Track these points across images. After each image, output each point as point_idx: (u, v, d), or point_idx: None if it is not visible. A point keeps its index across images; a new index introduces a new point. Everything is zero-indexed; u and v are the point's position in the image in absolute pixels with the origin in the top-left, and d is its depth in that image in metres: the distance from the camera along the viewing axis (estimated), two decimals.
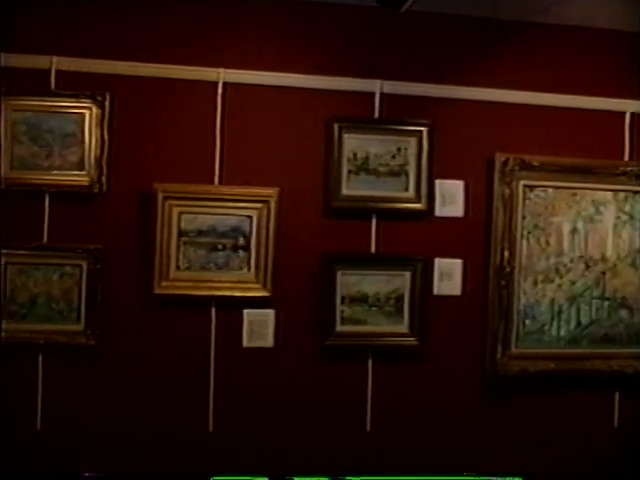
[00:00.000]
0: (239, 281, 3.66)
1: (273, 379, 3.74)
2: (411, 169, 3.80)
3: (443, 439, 3.87)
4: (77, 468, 3.35)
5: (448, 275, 3.87)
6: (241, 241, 3.66)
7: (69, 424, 3.55)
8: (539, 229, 3.91)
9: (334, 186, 3.74)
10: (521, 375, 3.90)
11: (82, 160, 3.55)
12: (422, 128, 3.81)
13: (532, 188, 3.90)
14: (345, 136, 3.75)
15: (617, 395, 4.06)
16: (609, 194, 3.98)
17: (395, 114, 3.83)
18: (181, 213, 3.60)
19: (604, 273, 3.97)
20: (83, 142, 3.55)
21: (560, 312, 3.94)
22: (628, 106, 4.02)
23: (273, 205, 3.65)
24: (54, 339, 3.53)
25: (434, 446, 3.85)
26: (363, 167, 3.76)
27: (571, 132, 3.98)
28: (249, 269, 3.67)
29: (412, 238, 3.82)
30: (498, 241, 3.85)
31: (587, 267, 3.96)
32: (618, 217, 3.99)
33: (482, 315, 3.89)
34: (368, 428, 3.84)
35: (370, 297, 3.77)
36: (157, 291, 3.60)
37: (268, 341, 3.73)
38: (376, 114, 3.82)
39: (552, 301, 3.93)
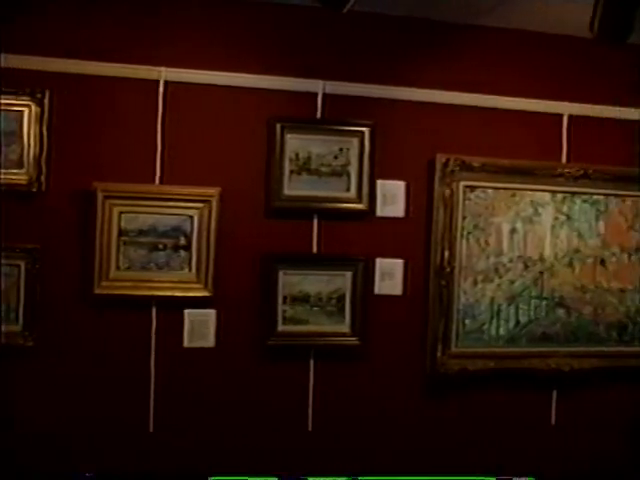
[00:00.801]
0: (180, 281, 3.65)
1: (214, 379, 3.73)
2: (353, 169, 3.81)
3: (384, 438, 3.90)
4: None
5: (389, 275, 3.89)
6: (182, 241, 3.64)
7: (5, 425, 3.49)
8: (479, 229, 3.95)
9: (276, 186, 3.73)
10: (461, 374, 3.94)
11: (21, 158, 3.49)
12: (364, 129, 3.82)
13: (472, 189, 3.94)
14: (287, 136, 3.75)
15: (554, 393, 4.13)
16: (547, 195, 4.04)
17: (337, 114, 3.84)
18: (121, 212, 3.57)
19: (542, 273, 4.03)
20: (22, 140, 3.49)
21: (499, 311, 3.99)
22: (566, 108, 4.08)
23: (214, 205, 3.64)
24: None
25: (375, 445, 3.87)
26: (305, 167, 3.77)
27: (511, 134, 4.03)
28: (190, 269, 3.65)
29: (353, 238, 3.84)
30: (438, 241, 3.88)
31: (526, 267, 4.01)
32: (556, 218, 4.05)
33: (423, 315, 3.92)
34: (310, 428, 3.85)
35: (312, 297, 3.78)
36: (97, 291, 3.57)
37: (209, 341, 3.71)
38: (318, 114, 3.82)
39: (491, 300, 3.98)
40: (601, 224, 4.12)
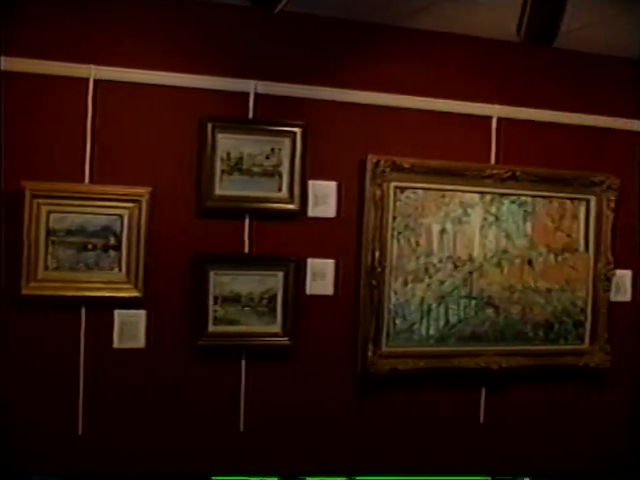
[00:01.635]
0: (110, 281, 3.61)
1: (145, 380, 3.70)
2: (284, 169, 3.82)
3: (316, 438, 3.91)
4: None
5: (321, 275, 3.90)
6: (112, 241, 3.61)
7: None
8: (409, 230, 3.99)
9: (207, 186, 3.72)
10: (391, 373, 3.96)
11: None
12: (296, 129, 3.83)
13: (403, 189, 3.97)
14: (219, 136, 3.74)
15: (483, 391, 4.20)
16: (476, 196, 4.09)
17: (269, 115, 3.84)
18: (50, 212, 3.52)
19: (471, 273, 4.09)
20: None
21: (429, 311, 4.03)
22: (495, 111, 4.15)
23: (145, 204, 3.61)
24: None
25: (307, 445, 3.89)
26: (237, 167, 3.76)
27: (441, 135, 4.08)
28: (120, 269, 3.62)
29: (285, 238, 3.85)
30: (369, 241, 3.91)
31: (455, 267, 4.06)
32: (485, 218, 4.11)
33: (354, 314, 3.94)
34: (241, 428, 3.84)
35: (243, 297, 3.78)
36: (25, 292, 3.51)
37: (139, 342, 3.68)
38: (250, 114, 3.82)
39: (422, 300, 4.02)
40: (528, 225, 4.19)
